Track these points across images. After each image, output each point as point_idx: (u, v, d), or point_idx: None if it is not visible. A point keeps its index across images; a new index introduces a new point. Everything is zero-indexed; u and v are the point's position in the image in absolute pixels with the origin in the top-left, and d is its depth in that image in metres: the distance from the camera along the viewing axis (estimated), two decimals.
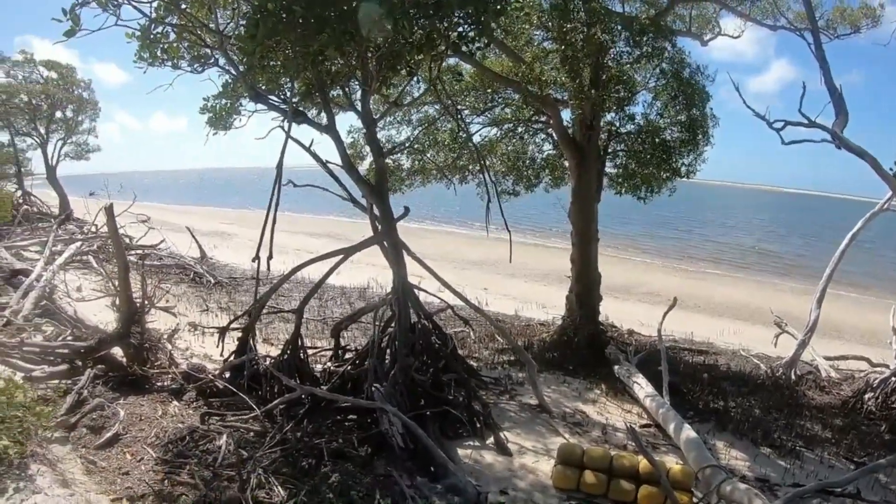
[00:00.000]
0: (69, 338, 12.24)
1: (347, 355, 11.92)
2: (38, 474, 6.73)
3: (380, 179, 10.63)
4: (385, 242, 10.71)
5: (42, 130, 36.57)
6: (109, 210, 10.46)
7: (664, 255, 42.68)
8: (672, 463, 9.42)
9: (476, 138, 15.61)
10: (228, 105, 10.31)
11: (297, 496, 7.27)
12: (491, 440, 10.11)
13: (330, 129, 9.92)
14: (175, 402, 9.92)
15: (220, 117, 10.30)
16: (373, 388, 9.51)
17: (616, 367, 13.82)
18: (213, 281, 22.18)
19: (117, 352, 10.99)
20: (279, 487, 7.42)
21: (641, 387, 12.42)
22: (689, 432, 10.05)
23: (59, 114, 36.81)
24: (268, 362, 10.97)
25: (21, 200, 35.27)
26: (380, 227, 10.76)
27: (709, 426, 11.64)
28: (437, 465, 8.49)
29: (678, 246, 48.84)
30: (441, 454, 8.41)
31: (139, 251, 24.03)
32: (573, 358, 14.66)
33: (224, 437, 8.47)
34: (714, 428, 11.64)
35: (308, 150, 10.00)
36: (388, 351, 10.69)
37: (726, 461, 10.17)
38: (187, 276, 22.54)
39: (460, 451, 9.64)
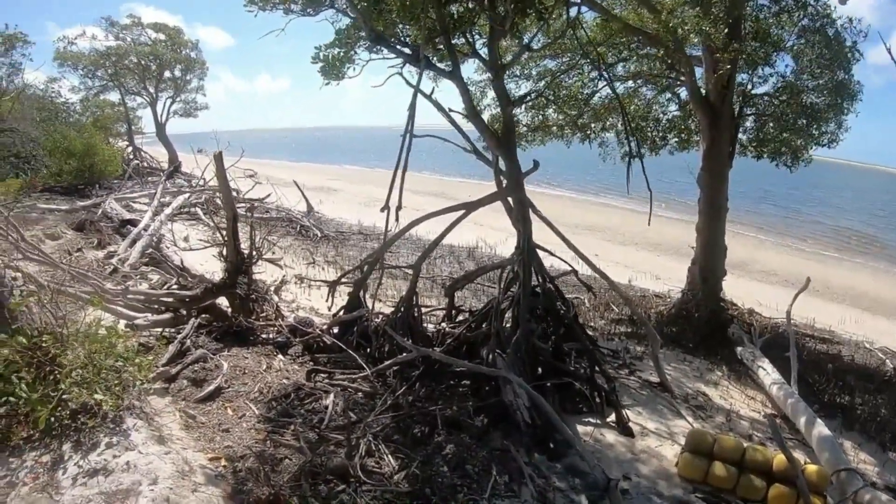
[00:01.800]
0: (174, 286, 12.17)
1: (460, 317, 11.38)
2: (134, 429, 6.26)
3: (507, 131, 9.84)
4: (510, 199, 9.99)
5: (151, 90, 38.09)
6: (219, 157, 10.17)
7: (773, 232, 40.03)
8: (801, 461, 8.46)
9: (598, 97, 14.70)
10: (342, 54, 9.78)
11: (408, 468, 6.75)
12: (611, 418, 9.35)
13: (454, 75, 9.21)
14: (280, 356, 9.60)
15: (333, 66, 9.76)
16: (495, 354, 8.86)
17: (739, 348, 12.97)
18: (319, 235, 22.31)
19: (222, 302, 10.82)
20: (390, 457, 6.93)
21: (767, 373, 11.55)
22: (822, 429, 9.12)
23: (167, 73, 38.18)
24: (379, 319, 10.51)
25: (132, 156, 36.74)
26: (504, 183, 10.02)
27: (835, 423, 10.56)
28: (558, 443, 7.86)
29: (785, 223, 45.69)
30: (568, 432, 7.70)
31: (247, 203, 24.32)
32: (693, 335, 13.77)
33: (331, 396, 8.06)
34: (841, 426, 10.59)
35: (429, 97, 9.29)
36: (509, 314, 9.99)
37: (854, 464, 9.08)
38: (294, 230, 22.82)
39: (579, 428, 8.92)
